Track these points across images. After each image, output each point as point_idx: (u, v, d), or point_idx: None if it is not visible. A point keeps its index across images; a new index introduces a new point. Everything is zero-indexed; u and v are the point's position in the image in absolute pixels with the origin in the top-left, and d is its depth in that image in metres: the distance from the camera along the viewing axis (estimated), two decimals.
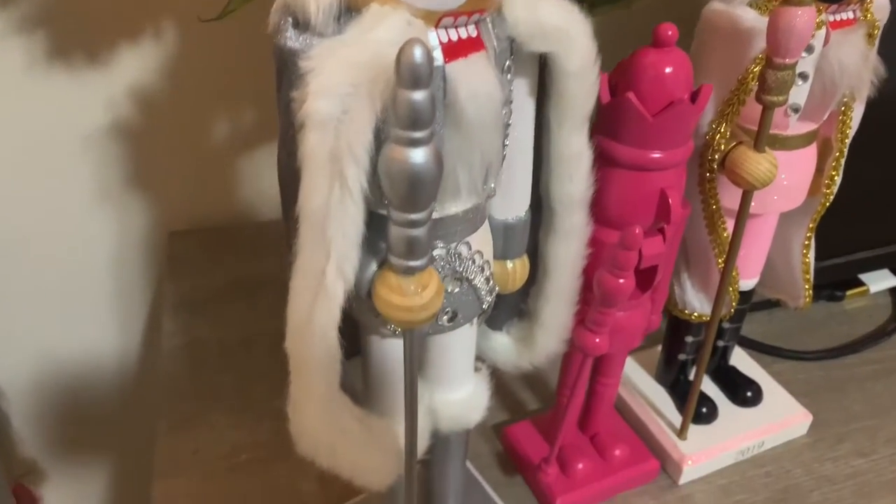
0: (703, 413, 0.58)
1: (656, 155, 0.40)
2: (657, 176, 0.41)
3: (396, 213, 0.27)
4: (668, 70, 0.39)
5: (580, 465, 0.54)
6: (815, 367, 0.67)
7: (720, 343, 0.60)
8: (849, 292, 0.74)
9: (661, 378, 0.61)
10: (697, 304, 0.55)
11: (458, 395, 0.43)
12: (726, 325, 0.58)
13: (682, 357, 0.59)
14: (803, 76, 0.44)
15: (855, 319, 0.73)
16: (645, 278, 0.46)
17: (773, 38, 0.38)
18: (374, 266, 0.30)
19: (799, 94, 0.44)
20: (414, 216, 0.27)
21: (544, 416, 0.59)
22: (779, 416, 0.59)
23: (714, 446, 0.57)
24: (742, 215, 0.45)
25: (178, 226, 0.81)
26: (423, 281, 0.29)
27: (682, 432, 0.57)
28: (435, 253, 0.33)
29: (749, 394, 0.60)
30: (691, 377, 0.61)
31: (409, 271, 0.29)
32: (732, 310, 0.55)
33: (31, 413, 0.87)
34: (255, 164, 0.81)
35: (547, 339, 0.44)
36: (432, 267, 0.30)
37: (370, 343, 0.38)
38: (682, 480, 0.56)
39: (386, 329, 0.35)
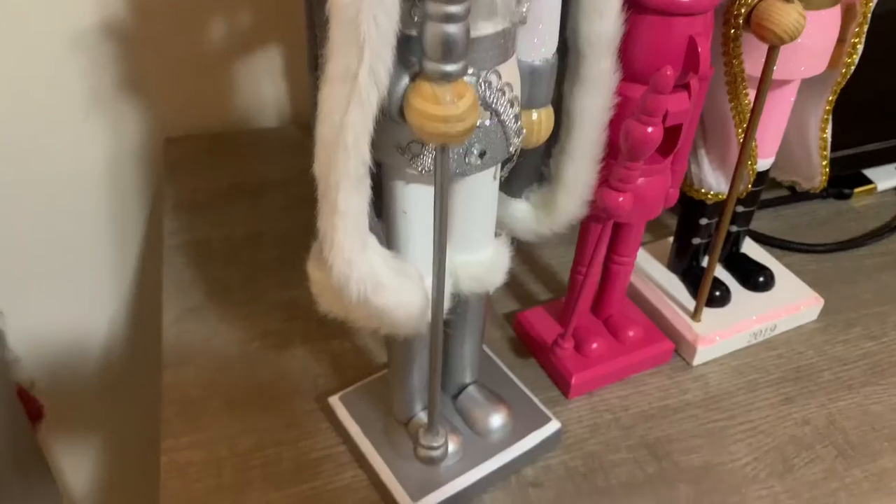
0: (717, 296, 0.58)
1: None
2: (685, 22, 0.40)
3: (433, 4, 0.25)
4: None
5: (594, 345, 0.54)
6: (824, 258, 0.67)
7: (733, 228, 0.59)
8: (856, 190, 0.74)
9: (673, 266, 0.61)
10: (714, 181, 0.54)
11: (479, 257, 0.42)
12: (739, 208, 0.58)
13: (695, 241, 0.58)
14: None
15: (863, 216, 0.72)
16: (668, 141, 0.45)
17: None
18: (406, 79, 0.29)
19: None
20: (451, 8, 0.25)
21: (557, 302, 0.58)
22: (791, 301, 0.59)
23: (727, 328, 0.56)
24: (767, 75, 0.44)
25: (175, 132, 0.79)
26: (459, 90, 0.28)
27: (696, 314, 0.56)
28: (467, 80, 0.32)
29: (761, 279, 0.59)
30: (704, 264, 0.61)
31: (446, 77, 0.28)
32: (749, 187, 0.54)
33: (30, 333, 0.86)
34: (254, 69, 0.79)
35: (568, 200, 0.43)
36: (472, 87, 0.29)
37: (394, 191, 0.37)
38: (696, 361, 0.56)
39: (412, 169, 0.34)
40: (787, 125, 0.55)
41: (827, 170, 0.55)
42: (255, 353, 0.56)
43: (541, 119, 0.39)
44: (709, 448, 0.51)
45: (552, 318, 0.57)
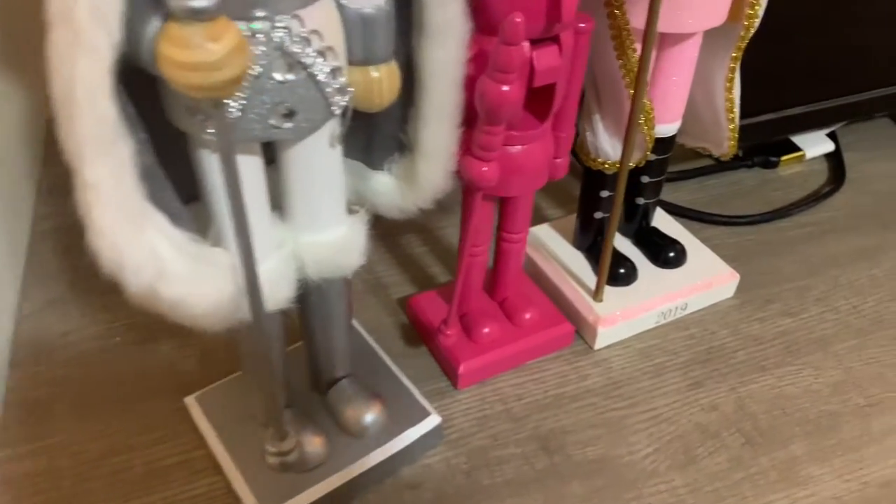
0: (621, 274, 0.53)
1: None
2: None
3: None
4: None
5: (486, 330, 0.49)
6: (746, 231, 0.63)
7: (640, 201, 0.55)
8: (784, 157, 0.70)
9: (578, 242, 0.56)
10: (611, 150, 0.49)
11: (328, 237, 0.37)
12: (645, 179, 0.54)
13: (598, 215, 0.54)
14: None
15: (790, 185, 0.69)
16: (542, 103, 0.41)
17: None
18: (156, 21, 0.24)
19: None
20: None
21: (451, 284, 0.54)
22: (703, 277, 0.55)
23: (632, 308, 0.52)
24: (650, 28, 0.40)
25: None
26: (215, 32, 0.23)
27: (596, 293, 0.52)
28: (255, 25, 0.27)
29: (671, 254, 0.55)
30: None
31: (195, 15, 0.23)
32: (648, 155, 0.49)
33: None
34: None
35: (430, 170, 0.38)
36: (238, 28, 0.24)
37: (200, 162, 0.32)
38: (598, 345, 0.52)
39: (206, 133, 0.29)
40: (693, 86, 0.51)
41: (735, 134, 0.51)
42: (116, 348, 0.51)
43: (382, 77, 0.34)
44: (606, 439, 0.47)
45: (446, 302, 0.52)
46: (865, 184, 0.69)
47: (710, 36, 0.48)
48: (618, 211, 0.47)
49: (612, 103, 0.47)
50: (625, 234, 0.58)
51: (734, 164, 0.69)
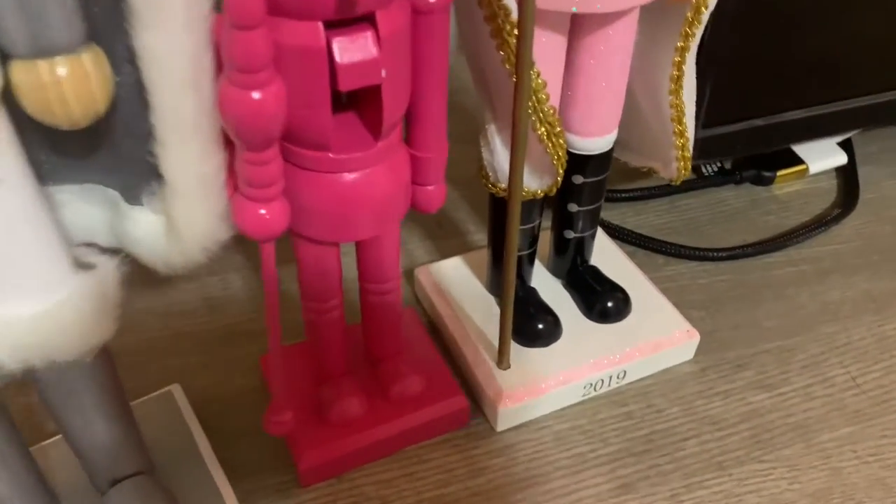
0: (540, 331, 0.41)
1: None
2: None
3: None
4: None
5: (345, 408, 0.37)
6: (722, 269, 0.50)
7: (570, 234, 0.42)
8: (780, 172, 0.56)
9: (492, 285, 0.44)
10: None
11: (22, 310, 0.25)
12: (574, 207, 0.41)
13: None
14: None
15: (786, 207, 0.55)
16: (369, 113, 0.28)
17: None
18: None
19: None
20: None
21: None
22: (651, 336, 0.42)
23: (549, 377, 0.40)
24: (525, 8, 0.27)
25: None
26: None
27: (500, 359, 0.40)
28: None
29: (609, 304, 0.42)
30: (534, 282, 0.44)
31: None
32: (559, 179, 0.37)
33: None
34: None
35: (186, 210, 0.26)
36: None
37: None
38: (502, 426, 0.40)
39: None
40: (634, 85, 0.38)
41: (686, 153, 0.38)
42: None
43: (65, 77, 0.22)
44: None
45: (306, 361, 0.40)
46: (885, 207, 0.55)
47: (650, 16, 0.35)
48: (512, 258, 0.35)
49: (509, 110, 0.35)
50: (556, 273, 0.45)
51: (718, 178, 0.56)
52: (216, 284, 0.47)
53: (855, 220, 0.53)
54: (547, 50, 0.33)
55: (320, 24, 0.24)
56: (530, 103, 0.32)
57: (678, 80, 0.35)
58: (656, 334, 0.42)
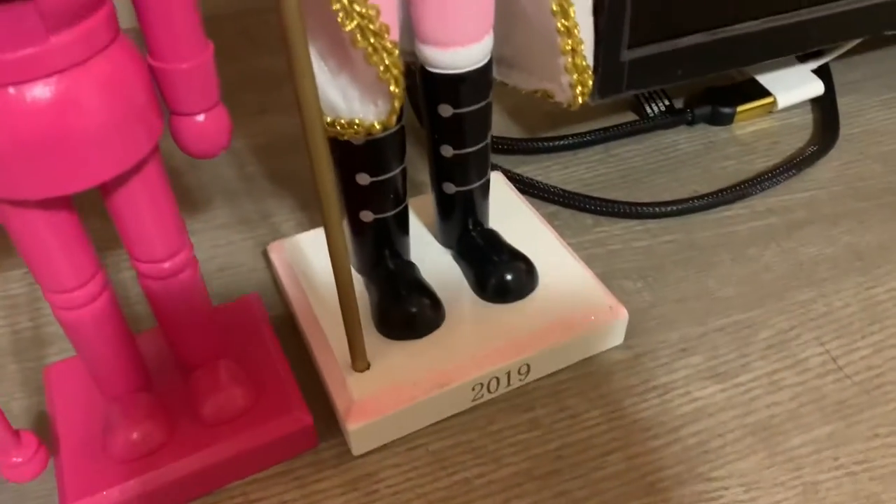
0: (412, 317, 0.31)
1: None
2: None
3: None
4: None
5: (134, 435, 0.27)
6: (667, 227, 0.39)
7: (450, 189, 0.32)
8: (741, 108, 0.45)
9: (359, 264, 0.34)
10: (342, 100, 0.26)
11: None
12: (449, 151, 0.31)
13: (366, 217, 0.31)
14: None
15: (750, 150, 0.44)
16: None
17: None
18: None
19: None
20: None
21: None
22: (565, 316, 0.32)
23: (423, 380, 0.30)
24: None
25: None
26: None
27: (354, 359, 0.29)
28: None
29: (509, 276, 0.32)
30: (419, 255, 0.34)
31: None
32: (397, 103, 0.26)
33: None
34: None
35: None
36: None
37: None
38: (359, 448, 0.30)
39: None
40: None
41: (582, 75, 0.27)
42: None
43: None
44: None
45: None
46: (872, 143, 0.44)
47: None
48: (333, 219, 0.25)
49: (323, 22, 0.24)
50: (445, 242, 0.35)
51: (665, 119, 0.45)
52: None
53: (835, 159, 0.43)
54: None
55: None
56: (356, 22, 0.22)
57: None
58: (571, 313, 0.32)
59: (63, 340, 0.34)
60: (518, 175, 0.41)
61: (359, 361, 0.29)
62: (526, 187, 0.41)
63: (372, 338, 0.31)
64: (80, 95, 0.20)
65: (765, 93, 0.46)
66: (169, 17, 0.21)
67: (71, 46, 0.19)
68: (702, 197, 0.40)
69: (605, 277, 0.35)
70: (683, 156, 0.44)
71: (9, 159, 0.20)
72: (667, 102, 0.46)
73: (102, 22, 0.20)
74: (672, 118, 0.45)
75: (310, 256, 0.35)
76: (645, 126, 0.45)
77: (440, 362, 0.30)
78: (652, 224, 0.39)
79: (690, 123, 0.46)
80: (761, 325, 0.34)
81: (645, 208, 0.39)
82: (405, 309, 0.31)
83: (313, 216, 0.40)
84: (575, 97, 0.28)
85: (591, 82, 0.28)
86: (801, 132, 0.45)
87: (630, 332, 0.33)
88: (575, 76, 0.27)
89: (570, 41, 0.26)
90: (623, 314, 0.32)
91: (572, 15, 0.26)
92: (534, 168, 0.43)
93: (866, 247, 0.38)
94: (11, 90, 0.19)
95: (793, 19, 0.40)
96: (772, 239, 0.38)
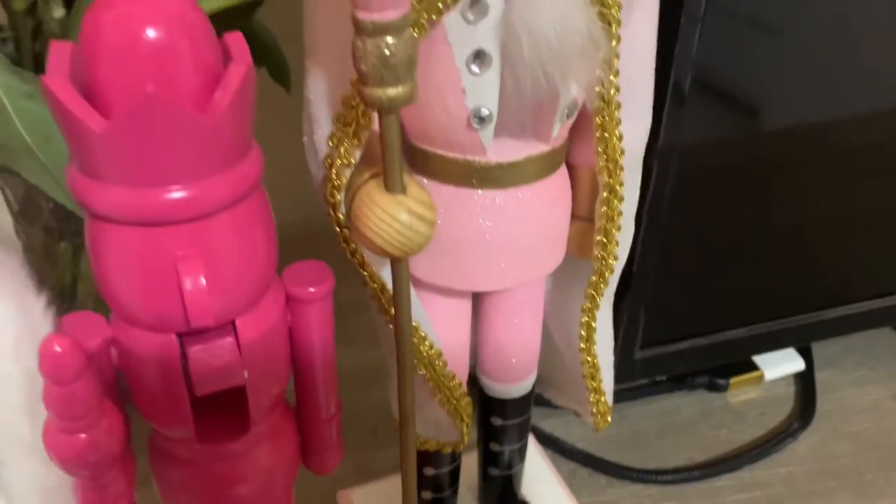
0: None
1: (128, 195, 0.21)
2: (154, 235, 0.22)
3: None
4: (143, 31, 0.20)
5: None
6: (667, 493, 0.47)
7: (494, 472, 0.40)
8: (734, 379, 0.54)
9: None
10: (420, 422, 0.35)
11: None
12: (496, 447, 0.39)
13: (426, 496, 0.39)
14: (481, 57, 0.25)
15: (741, 419, 0.53)
16: (238, 404, 0.27)
17: None
18: None
19: (482, 90, 0.26)
20: None
21: None
22: None
23: None
24: (400, 297, 0.26)
25: None
26: None
27: None
28: None
29: None
30: None
31: None
32: (465, 439, 0.35)
33: None
34: None
35: None
36: None
37: None
38: None
39: None
40: (549, 326, 0.37)
41: (602, 408, 0.36)
42: None
43: None
44: None
45: None
46: (844, 421, 0.52)
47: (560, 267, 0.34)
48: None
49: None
50: (484, 502, 0.43)
51: (669, 385, 0.54)
52: None
53: (811, 435, 0.51)
54: (445, 313, 0.32)
55: (173, 336, 0.24)
56: (426, 372, 0.31)
57: (589, 336, 0.34)
58: None
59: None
60: (545, 432, 0.49)
61: None
62: (551, 444, 0.49)
63: None
64: (257, 461, 0.28)
65: (754, 367, 0.55)
66: (314, 393, 0.30)
67: (258, 434, 0.28)
68: (696, 468, 0.48)
69: None
70: (683, 421, 0.52)
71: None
72: None
73: (279, 409, 0.29)
74: (675, 385, 0.54)
75: None
76: (652, 390, 0.54)
77: None
78: (654, 489, 0.47)
79: (691, 389, 0.54)
80: None
81: (650, 475, 0.47)
82: None
83: (374, 457, 0.48)
84: (597, 423, 0.36)
85: (610, 417, 0.36)
86: (786, 404, 0.54)
87: None
88: (598, 417, 0.36)
89: (596, 396, 0.35)
90: None
91: (599, 377, 0.35)
92: (557, 423, 0.51)
93: None
94: (217, 464, 0.28)
95: (773, 328, 0.50)
96: None
